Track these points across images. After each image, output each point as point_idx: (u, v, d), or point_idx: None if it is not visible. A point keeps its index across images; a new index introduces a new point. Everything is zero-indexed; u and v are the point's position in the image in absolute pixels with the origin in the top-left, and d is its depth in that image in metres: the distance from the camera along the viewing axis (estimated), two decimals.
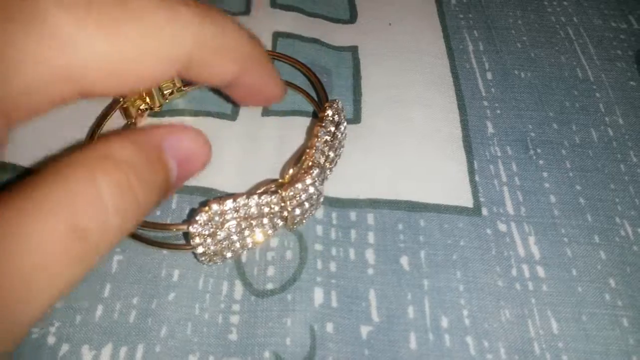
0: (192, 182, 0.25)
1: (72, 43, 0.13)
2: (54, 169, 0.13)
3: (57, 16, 0.13)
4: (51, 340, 0.21)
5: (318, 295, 0.22)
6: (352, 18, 0.33)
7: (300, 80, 0.28)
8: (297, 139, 0.27)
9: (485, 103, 0.29)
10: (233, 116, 0.27)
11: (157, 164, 0.15)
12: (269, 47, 0.30)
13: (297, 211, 0.21)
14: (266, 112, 0.28)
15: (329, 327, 0.21)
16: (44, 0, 0.13)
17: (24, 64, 0.13)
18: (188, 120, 0.27)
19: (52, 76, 0.13)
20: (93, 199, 0.12)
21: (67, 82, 0.14)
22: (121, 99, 0.26)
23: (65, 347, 0.21)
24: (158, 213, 0.24)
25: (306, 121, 0.27)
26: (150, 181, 0.15)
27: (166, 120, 0.27)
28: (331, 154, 0.24)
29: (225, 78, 0.18)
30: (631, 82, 0.30)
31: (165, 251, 0.23)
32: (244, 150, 0.26)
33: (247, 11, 0.32)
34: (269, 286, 0.22)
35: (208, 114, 0.27)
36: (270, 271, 0.23)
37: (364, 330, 0.21)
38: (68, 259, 0.12)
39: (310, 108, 0.28)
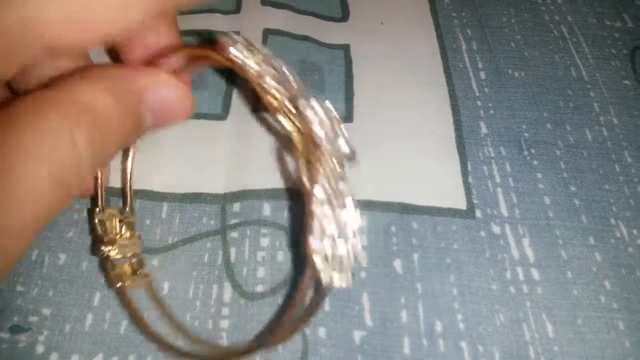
0: (180, 189, 0.24)
1: None
2: (30, 107, 0.13)
3: None
4: (40, 349, 0.20)
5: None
6: (344, 16, 0.32)
7: None
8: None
9: (479, 103, 0.28)
10: (223, 115, 0.27)
11: (133, 117, 0.16)
12: (259, 44, 0.29)
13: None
14: (256, 108, 0.27)
15: (321, 331, 0.21)
16: None
17: None
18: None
19: (14, 33, 0.13)
20: (70, 149, 0.13)
21: (30, 36, 0.14)
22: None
23: (54, 357, 0.20)
24: (147, 222, 0.23)
25: None
26: (124, 131, 0.15)
27: None
28: None
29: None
30: (625, 81, 0.30)
31: (155, 262, 0.22)
32: (234, 150, 0.26)
33: (237, 9, 0.32)
34: (259, 288, 0.22)
35: (197, 115, 0.27)
36: (261, 272, 0.22)
37: (357, 335, 0.21)
38: (49, 204, 0.13)
39: None
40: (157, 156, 0.25)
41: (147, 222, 0.23)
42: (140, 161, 0.23)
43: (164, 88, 0.16)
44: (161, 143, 0.25)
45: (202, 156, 0.25)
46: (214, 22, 0.30)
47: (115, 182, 0.23)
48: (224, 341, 0.21)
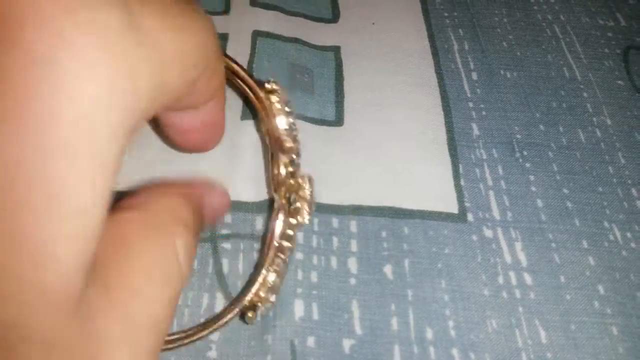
0: None
1: None
2: (142, 235, 0.14)
3: None
4: None
5: (298, 307, 0.21)
6: (334, 17, 0.32)
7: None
8: None
9: (471, 104, 0.28)
10: None
11: (201, 221, 0.17)
12: (248, 46, 0.29)
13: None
14: (245, 116, 0.27)
15: (310, 341, 0.21)
16: None
17: None
18: None
19: None
20: (175, 262, 0.15)
21: None
22: None
23: None
24: None
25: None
26: (199, 235, 0.17)
27: None
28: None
29: (204, 99, 0.17)
30: (619, 81, 0.29)
31: None
32: (222, 157, 0.25)
33: (226, 10, 0.31)
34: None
35: None
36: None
37: (347, 343, 0.21)
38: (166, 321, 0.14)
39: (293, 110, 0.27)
40: (146, 164, 0.24)
41: None
42: (129, 168, 0.23)
43: (215, 194, 0.18)
44: (150, 153, 0.25)
45: (190, 165, 0.25)
46: None
47: None
48: (213, 352, 0.20)
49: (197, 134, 0.18)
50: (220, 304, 0.21)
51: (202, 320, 0.21)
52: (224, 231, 0.23)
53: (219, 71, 0.16)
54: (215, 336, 0.21)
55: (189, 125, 0.18)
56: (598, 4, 0.33)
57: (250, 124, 0.26)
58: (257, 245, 0.23)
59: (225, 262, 0.22)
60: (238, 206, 0.24)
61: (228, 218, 0.23)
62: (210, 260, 0.22)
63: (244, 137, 0.26)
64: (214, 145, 0.20)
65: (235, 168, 0.25)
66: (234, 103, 0.27)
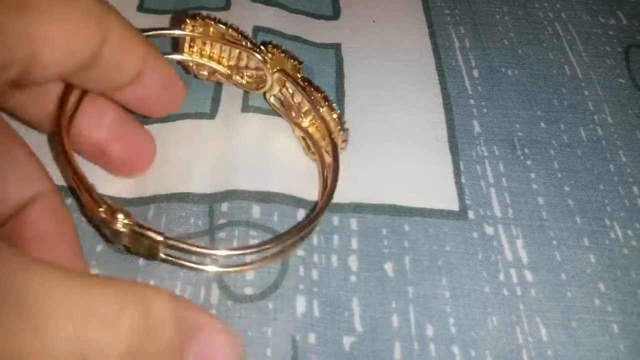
0: (167, 189, 0.24)
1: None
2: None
3: None
4: None
5: (300, 304, 0.21)
6: (335, 14, 0.32)
7: None
8: (278, 138, 0.26)
9: (472, 102, 0.28)
10: (212, 114, 0.26)
11: (177, 347, 0.15)
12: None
13: None
14: (246, 109, 0.27)
15: (311, 337, 0.21)
16: None
17: None
18: (166, 126, 0.26)
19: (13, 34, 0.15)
20: (108, 329, 0.13)
21: (23, 42, 0.15)
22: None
23: None
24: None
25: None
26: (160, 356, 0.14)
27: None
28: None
29: (130, 74, 0.19)
30: (620, 80, 0.29)
31: (141, 262, 0.22)
32: (224, 148, 0.25)
33: (227, 6, 0.31)
34: (248, 291, 0.21)
35: (185, 116, 0.26)
36: (250, 275, 0.22)
37: (347, 341, 0.21)
38: None
39: None
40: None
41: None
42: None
43: (220, 339, 0.16)
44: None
45: (189, 156, 0.25)
46: None
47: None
48: None
49: (157, 99, 0.22)
50: (215, 294, 0.21)
51: None
52: (221, 221, 0.23)
53: (130, 44, 0.19)
54: None
55: (143, 95, 0.21)
56: (599, 2, 0.33)
57: (250, 117, 0.26)
58: (253, 232, 0.23)
59: None
60: (235, 194, 0.23)
61: (225, 207, 0.23)
62: None
63: (242, 129, 0.26)
64: (178, 103, 0.23)
65: (235, 158, 0.25)
66: (234, 96, 0.27)
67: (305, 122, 0.25)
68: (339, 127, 0.23)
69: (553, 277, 0.23)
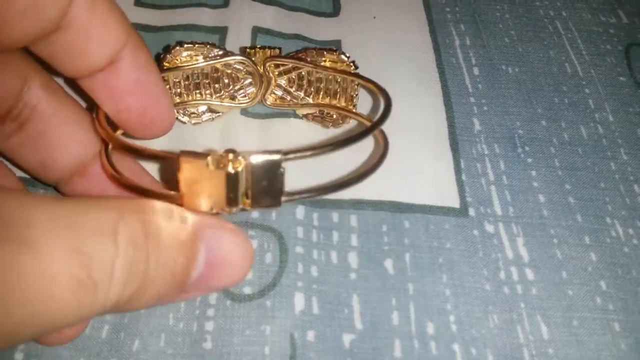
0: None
1: None
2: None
3: None
4: (19, 357, 0.19)
5: (299, 301, 0.21)
6: (335, 11, 0.32)
7: None
8: (277, 142, 0.25)
9: (472, 99, 0.28)
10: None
11: (185, 246, 0.14)
12: (248, 42, 0.29)
13: None
14: (245, 112, 0.26)
15: (310, 335, 0.20)
16: None
17: None
18: None
19: None
20: (107, 247, 0.12)
21: None
22: None
23: None
24: None
25: (287, 123, 0.26)
26: (169, 258, 0.13)
27: None
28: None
29: (103, 53, 0.17)
30: (621, 78, 0.29)
31: None
32: (222, 147, 0.25)
33: (225, 4, 0.31)
34: (247, 290, 0.21)
35: None
36: (248, 274, 0.22)
37: (347, 338, 0.20)
38: (62, 305, 0.12)
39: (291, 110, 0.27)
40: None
41: None
42: None
43: (228, 235, 0.15)
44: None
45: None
46: (201, 17, 0.30)
47: None
48: (209, 344, 0.20)
49: (133, 97, 0.18)
50: (213, 294, 0.21)
51: (197, 312, 0.21)
52: None
53: (107, 15, 0.17)
54: (210, 326, 0.20)
55: (116, 86, 0.18)
56: (600, 1, 0.33)
57: (248, 121, 0.26)
58: (252, 232, 0.22)
59: None
60: None
61: None
62: None
63: (241, 132, 0.25)
64: (163, 121, 0.19)
65: None
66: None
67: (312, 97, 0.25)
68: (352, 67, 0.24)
69: (554, 276, 0.22)
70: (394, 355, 0.20)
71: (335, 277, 0.22)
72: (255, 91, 0.25)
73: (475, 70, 0.29)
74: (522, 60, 0.30)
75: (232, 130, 0.26)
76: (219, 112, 0.26)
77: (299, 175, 0.24)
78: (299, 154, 0.16)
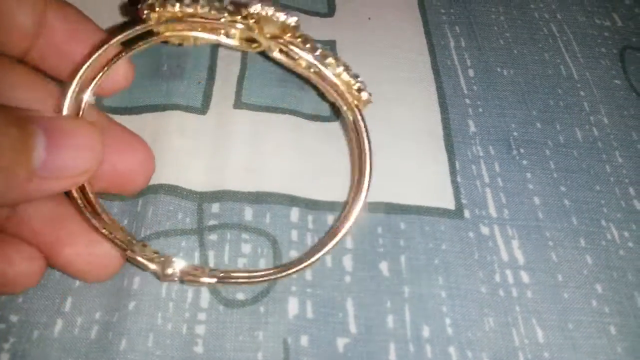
0: (156, 179, 0.23)
1: None
2: None
3: None
4: (4, 357, 0.19)
5: (292, 305, 0.21)
6: (330, 11, 0.31)
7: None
8: (271, 136, 0.25)
9: (467, 101, 0.28)
10: (203, 110, 0.26)
11: (18, 119, 0.14)
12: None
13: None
14: (239, 105, 0.26)
15: (304, 340, 0.20)
16: None
17: None
18: (155, 115, 0.25)
19: None
20: None
21: None
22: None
23: None
24: (125, 222, 0.22)
25: (282, 118, 0.26)
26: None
27: (127, 117, 0.25)
28: None
29: (26, 18, 0.17)
30: (616, 81, 0.29)
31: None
32: (214, 146, 0.24)
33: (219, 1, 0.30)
34: (240, 296, 0.21)
35: (175, 107, 0.25)
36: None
37: (341, 342, 0.20)
38: None
39: (288, 105, 0.26)
40: None
41: (125, 221, 0.22)
42: None
43: (66, 118, 0.15)
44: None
45: (179, 149, 0.24)
46: None
47: None
48: (200, 348, 0.20)
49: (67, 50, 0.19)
50: (205, 297, 0.21)
51: (187, 314, 0.20)
52: (211, 222, 0.22)
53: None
54: (201, 330, 0.20)
55: (48, 47, 0.18)
56: (595, 4, 0.33)
57: (242, 114, 0.26)
58: (245, 236, 0.22)
59: (210, 255, 0.22)
60: (227, 195, 0.23)
61: (216, 207, 0.23)
62: (196, 254, 0.22)
63: (234, 126, 0.25)
64: (124, 77, 0.20)
65: (226, 156, 0.24)
66: (226, 92, 0.26)
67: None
68: (355, 87, 0.23)
69: (549, 279, 0.22)
70: (389, 359, 0.20)
71: (329, 281, 0.21)
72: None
73: (471, 72, 0.29)
74: (517, 63, 0.30)
75: (224, 124, 0.25)
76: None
77: (283, 174, 0.24)
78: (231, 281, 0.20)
